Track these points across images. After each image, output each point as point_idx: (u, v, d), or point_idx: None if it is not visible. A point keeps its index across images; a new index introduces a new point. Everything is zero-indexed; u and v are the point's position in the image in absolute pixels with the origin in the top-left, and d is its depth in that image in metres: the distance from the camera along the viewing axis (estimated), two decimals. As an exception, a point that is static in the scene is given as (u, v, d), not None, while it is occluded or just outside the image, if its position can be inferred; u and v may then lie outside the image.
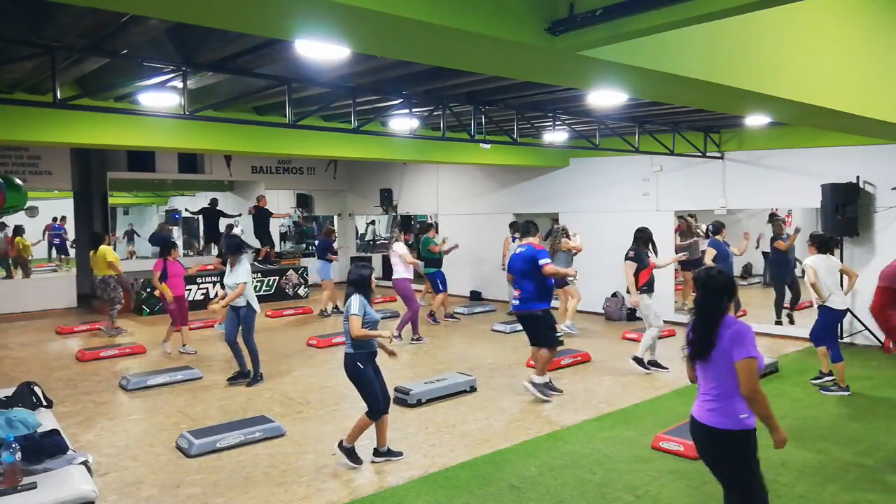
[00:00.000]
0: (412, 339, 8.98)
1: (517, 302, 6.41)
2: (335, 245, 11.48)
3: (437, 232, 11.38)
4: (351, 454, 4.77)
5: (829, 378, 6.60)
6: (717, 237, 8.28)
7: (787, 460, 4.79)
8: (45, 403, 5.32)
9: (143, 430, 5.64)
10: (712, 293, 3.03)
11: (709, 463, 3.12)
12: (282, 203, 16.65)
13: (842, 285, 6.50)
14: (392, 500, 4.24)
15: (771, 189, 9.38)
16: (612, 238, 10.46)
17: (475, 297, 12.96)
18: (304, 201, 17.07)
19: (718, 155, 9.84)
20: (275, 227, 15.81)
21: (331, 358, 8.21)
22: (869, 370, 7.35)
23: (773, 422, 2.95)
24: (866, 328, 8.23)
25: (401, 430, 5.54)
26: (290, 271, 13.09)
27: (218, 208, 14.24)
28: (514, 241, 10.55)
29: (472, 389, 6.57)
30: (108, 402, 6.43)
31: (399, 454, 4.91)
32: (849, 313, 8.28)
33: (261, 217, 13.44)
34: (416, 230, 15.91)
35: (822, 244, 6.44)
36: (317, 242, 11.83)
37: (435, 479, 4.55)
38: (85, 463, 4.10)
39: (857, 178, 8.37)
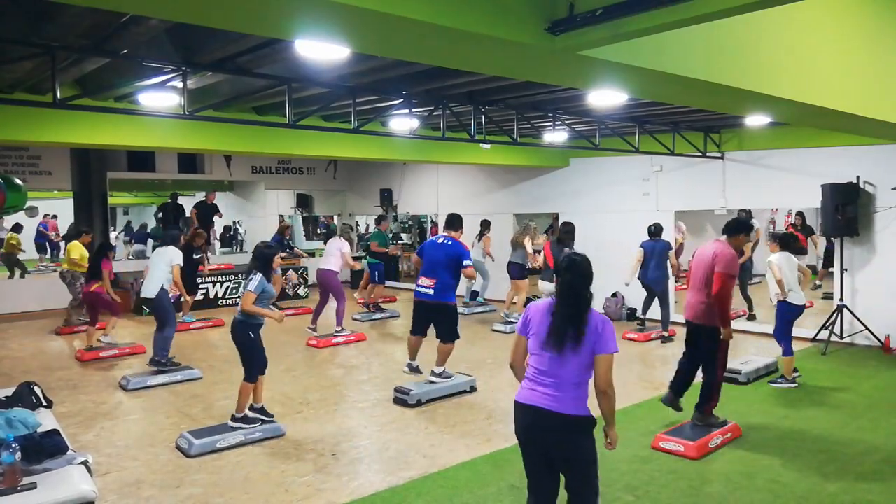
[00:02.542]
0: (335, 331, 9.08)
1: (430, 291, 6.34)
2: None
3: (387, 225, 12.12)
4: (246, 420, 5.29)
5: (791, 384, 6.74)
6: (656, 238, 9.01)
7: (787, 460, 4.80)
8: (44, 403, 5.32)
9: (143, 430, 5.64)
10: (581, 277, 2.98)
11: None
12: (282, 203, 16.66)
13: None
14: (392, 500, 4.24)
15: (771, 189, 9.38)
16: (612, 238, 10.47)
17: (474, 297, 12.95)
18: (304, 201, 17.08)
19: (718, 155, 9.84)
20: (273, 227, 15.82)
21: (331, 358, 8.21)
22: (869, 370, 7.36)
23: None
24: (866, 328, 8.23)
25: (401, 429, 5.55)
26: (290, 271, 13.07)
27: (178, 202, 14.50)
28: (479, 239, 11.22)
29: (472, 389, 6.57)
30: (107, 402, 6.43)
31: (271, 416, 5.45)
32: (849, 313, 8.37)
33: (204, 214, 13.41)
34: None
35: (784, 242, 6.77)
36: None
37: (435, 479, 4.55)
38: (85, 463, 4.10)
39: (857, 178, 8.37)
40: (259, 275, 5.20)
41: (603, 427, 3.06)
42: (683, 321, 5.52)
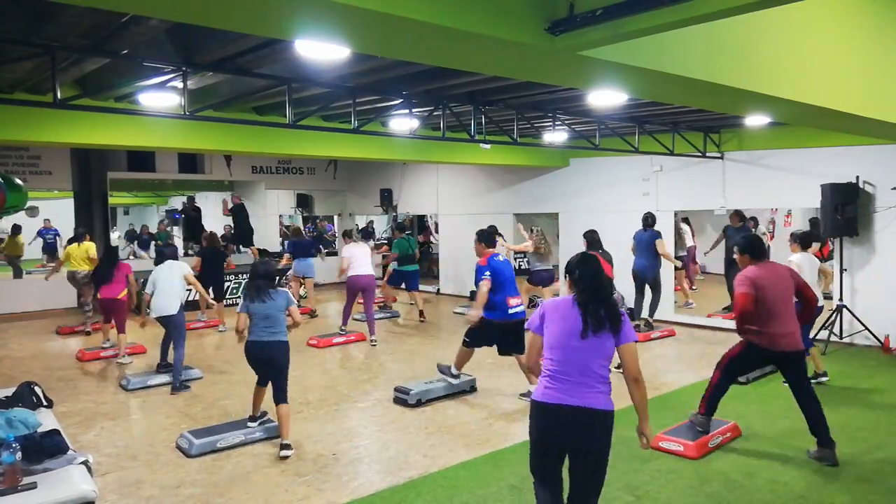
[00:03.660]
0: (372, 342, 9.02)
1: (521, 308, 6.24)
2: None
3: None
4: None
5: (824, 378, 6.68)
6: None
7: (787, 460, 4.80)
8: (45, 403, 5.32)
9: (143, 430, 5.65)
10: (597, 268, 3.09)
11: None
12: (282, 203, 16.65)
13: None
14: (392, 500, 4.24)
15: (771, 189, 9.38)
16: (612, 238, 10.43)
17: (474, 296, 12.97)
18: (304, 201, 17.05)
19: (718, 155, 9.84)
20: (273, 226, 15.82)
21: (331, 358, 8.21)
22: (869, 370, 7.35)
23: None
24: (866, 328, 8.24)
25: (401, 430, 5.55)
26: (291, 271, 13.03)
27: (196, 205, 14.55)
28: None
29: (473, 389, 6.57)
30: (108, 402, 6.43)
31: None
32: (848, 313, 8.37)
33: (240, 215, 13.38)
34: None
35: (805, 242, 6.70)
36: (295, 242, 11.73)
37: (435, 479, 4.55)
38: (85, 463, 4.10)
39: (857, 178, 8.37)
40: (286, 289, 5.21)
41: (636, 427, 3.09)
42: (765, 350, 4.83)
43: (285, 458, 4.91)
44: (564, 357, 2.96)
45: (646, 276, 9.27)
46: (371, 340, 8.97)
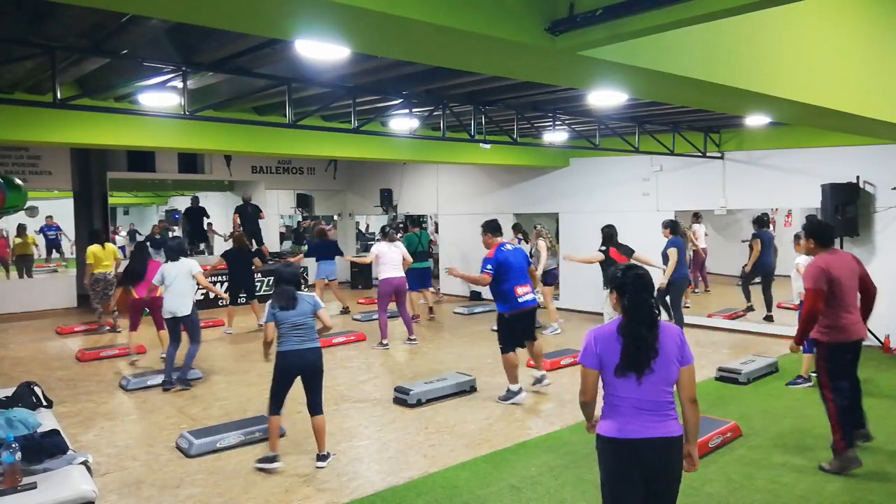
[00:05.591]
0: (409, 339, 9.02)
1: (530, 296, 6.23)
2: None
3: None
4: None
5: (808, 383, 6.69)
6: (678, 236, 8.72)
7: (787, 460, 4.80)
8: (45, 403, 5.33)
9: (143, 430, 5.65)
10: (646, 290, 2.81)
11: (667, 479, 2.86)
12: (282, 203, 16.66)
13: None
14: (392, 500, 4.24)
15: (771, 189, 9.38)
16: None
17: (475, 297, 12.97)
18: (304, 201, 17.07)
19: (718, 155, 9.84)
20: (274, 226, 15.84)
21: (330, 358, 8.20)
22: (869, 370, 7.33)
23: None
24: (866, 328, 8.22)
25: (401, 430, 5.55)
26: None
27: (201, 205, 14.58)
28: (519, 242, 10.77)
29: (472, 389, 6.57)
30: (108, 402, 6.43)
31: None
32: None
33: (248, 215, 13.39)
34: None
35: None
36: (318, 243, 11.50)
37: (435, 479, 4.55)
38: (85, 463, 4.11)
39: (857, 178, 8.37)
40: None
41: (686, 448, 2.89)
42: (849, 343, 4.68)
43: (321, 468, 4.75)
44: (627, 390, 2.76)
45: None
46: (410, 338, 8.98)
